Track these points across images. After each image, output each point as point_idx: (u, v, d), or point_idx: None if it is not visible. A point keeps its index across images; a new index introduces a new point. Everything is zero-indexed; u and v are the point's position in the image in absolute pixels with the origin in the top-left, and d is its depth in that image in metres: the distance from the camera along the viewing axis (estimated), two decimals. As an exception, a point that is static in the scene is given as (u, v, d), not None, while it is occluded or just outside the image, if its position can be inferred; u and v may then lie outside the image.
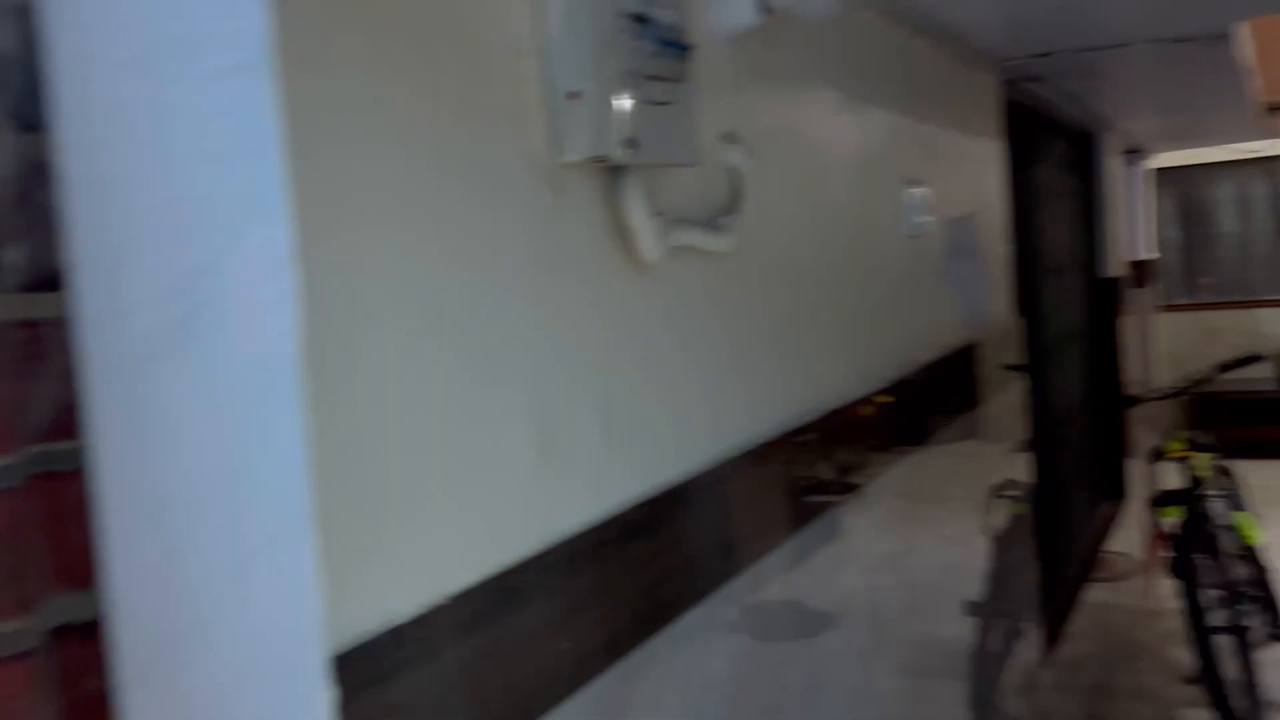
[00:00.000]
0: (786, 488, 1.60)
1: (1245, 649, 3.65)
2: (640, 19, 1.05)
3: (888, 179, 2.11)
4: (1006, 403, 3.01)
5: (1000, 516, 2.92)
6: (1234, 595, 3.70)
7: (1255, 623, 3.82)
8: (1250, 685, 3.56)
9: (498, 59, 1.02)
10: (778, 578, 1.56)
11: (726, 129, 1.45)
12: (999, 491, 2.94)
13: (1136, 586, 4.83)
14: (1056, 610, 3.56)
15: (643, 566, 1.21)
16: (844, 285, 1.89)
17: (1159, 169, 7.52)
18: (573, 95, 1.03)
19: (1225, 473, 4.50)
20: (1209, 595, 3.60)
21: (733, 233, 1.41)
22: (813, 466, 1.69)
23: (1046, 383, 3.85)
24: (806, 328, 1.72)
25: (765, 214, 1.55)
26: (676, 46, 1.13)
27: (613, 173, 1.14)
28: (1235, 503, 4.28)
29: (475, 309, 0.98)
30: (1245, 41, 3.07)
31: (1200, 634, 3.43)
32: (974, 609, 2.67)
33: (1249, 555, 4.09)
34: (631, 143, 1.04)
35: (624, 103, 1.04)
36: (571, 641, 1.05)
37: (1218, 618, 3.59)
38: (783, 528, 1.57)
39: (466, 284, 0.97)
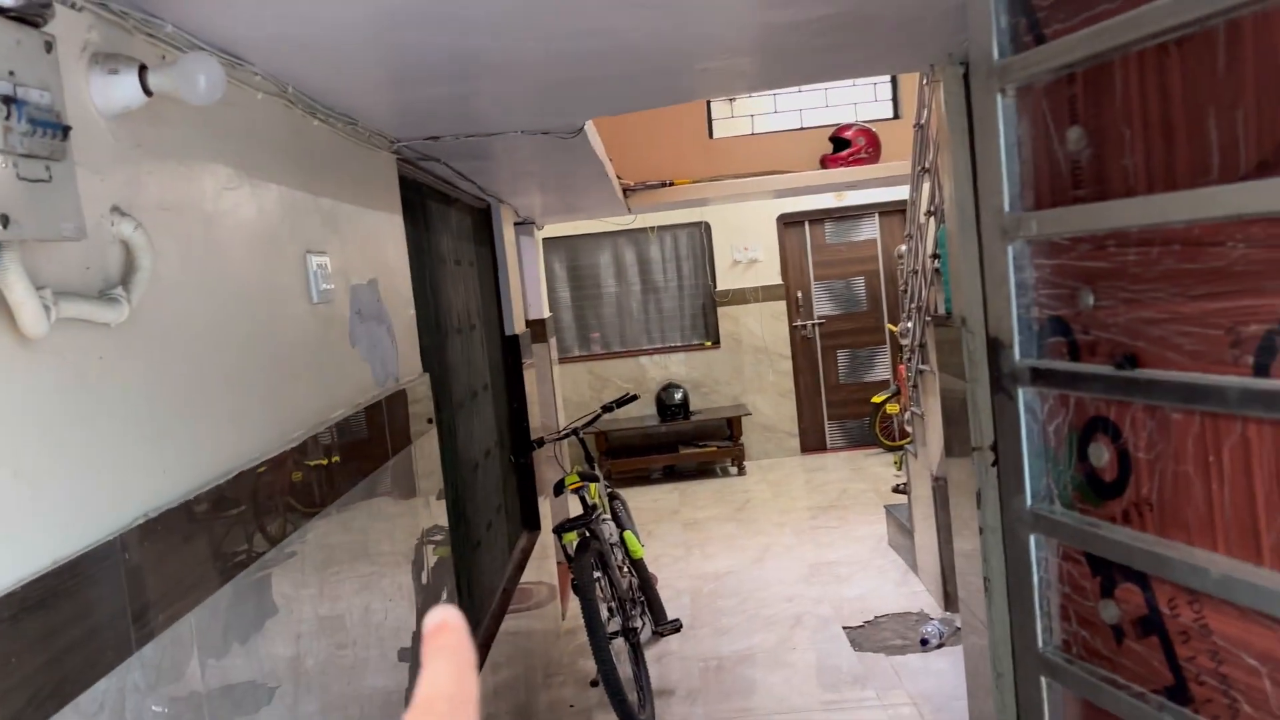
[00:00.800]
0: (203, 551, 1.64)
1: (636, 648, 4.26)
2: (8, 100, 1.07)
3: (290, 249, 2.23)
4: (428, 453, 3.24)
5: (427, 562, 3.13)
6: (623, 603, 4.31)
7: (642, 624, 4.49)
8: (640, 678, 4.17)
9: None
10: (199, 644, 1.58)
11: (118, 203, 1.48)
12: (425, 538, 3.15)
13: (552, 610, 5.40)
14: (482, 643, 3.86)
15: (42, 642, 1.19)
16: (251, 349, 1.97)
17: (550, 238, 8.50)
18: (-63, 172, 1.03)
19: (615, 497, 5.25)
20: (604, 606, 4.16)
21: (127, 303, 1.44)
22: (231, 528, 1.74)
23: (461, 431, 4.19)
24: (216, 391, 1.78)
25: (164, 285, 1.59)
26: (52, 126, 1.16)
27: (-11, 248, 1.13)
28: (622, 523, 5.00)
29: None
30: (596, 136, 3.68)
31: (598, 641, 3.92)
32: (407, 655, 2.84)
33: (635, 567, 4.80)
34: (4, 219, 1.06)
35: (-6, 181, 1.05)
36: (-40, 725, 1.02)
37: (613, 625, 4.15)
38: (199, 591, 1.60)
39: None
